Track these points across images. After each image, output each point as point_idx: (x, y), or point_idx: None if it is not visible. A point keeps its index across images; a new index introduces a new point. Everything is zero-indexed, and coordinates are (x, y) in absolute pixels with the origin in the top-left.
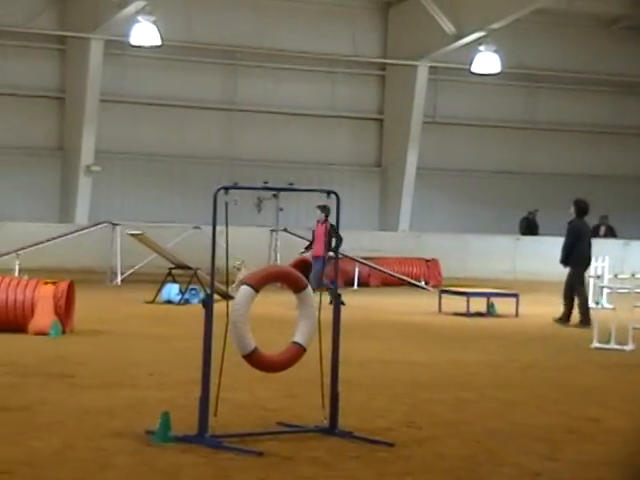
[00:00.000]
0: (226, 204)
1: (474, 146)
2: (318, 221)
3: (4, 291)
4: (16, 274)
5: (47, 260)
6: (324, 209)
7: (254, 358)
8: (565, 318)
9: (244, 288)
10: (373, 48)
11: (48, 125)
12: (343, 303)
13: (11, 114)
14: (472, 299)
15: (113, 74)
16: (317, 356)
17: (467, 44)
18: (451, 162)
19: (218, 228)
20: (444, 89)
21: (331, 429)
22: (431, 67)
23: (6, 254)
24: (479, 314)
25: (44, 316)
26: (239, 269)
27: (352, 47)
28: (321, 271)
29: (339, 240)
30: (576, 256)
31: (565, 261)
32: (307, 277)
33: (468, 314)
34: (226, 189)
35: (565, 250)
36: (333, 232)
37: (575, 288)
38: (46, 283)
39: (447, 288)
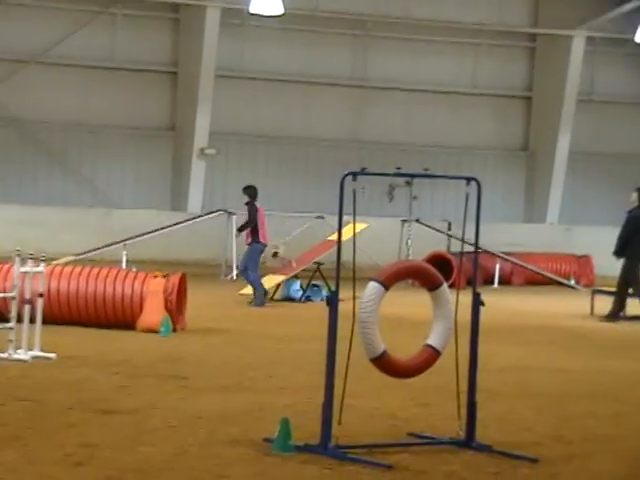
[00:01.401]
0: (354, 192)
1: (636, 128)
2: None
3: (111, 284)
4: (123, 266)
5: (157, 251)
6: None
7: (383, 362)
8: (615, 313)
9: (373, 285)
10: (521, 16)
11: (159, 102)
12: (482, 303)
13: (119, 90)
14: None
15: (230, 46)
16: (452, 361)
17: (630, 11)
18: (609, 146)
19: (344, 218)
20: (602, 63)
21: (468, 442)
22: (588, 38)
23: (113, 244)
24: (637, 317)
25: (153, 312)
26: (276, 254)
27: (498, 15)
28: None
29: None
30: (633, 248)
31: (620, 252)
32: (443, 273)
33: (624, 317)
34: (354, 175)
35: (621, 241)
36: None
37: (630, 281)
38: (156, 276)
39: (601, 288)
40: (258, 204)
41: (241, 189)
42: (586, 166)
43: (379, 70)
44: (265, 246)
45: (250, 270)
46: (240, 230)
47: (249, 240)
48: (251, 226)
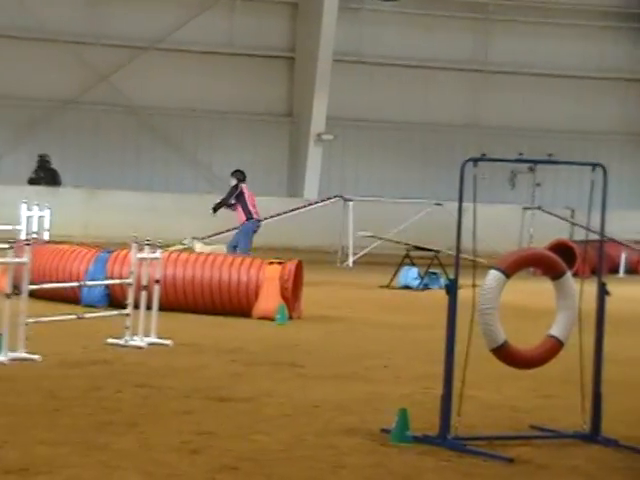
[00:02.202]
0: (474, 178)
1: None
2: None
3: (227, 271)
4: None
5: (273, 238)
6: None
7: (504, 352)
8: None
9: (494, 273)
10: None
11: (276, 88)
12: (608, 293)
13: (237, 76)
14: None
15: (348, 31)
16: (575, 352)
17: None
18: None
19: (464, 205)
20: None
21: (593, 435)
22: None
23: (228, 230)
24: None
25: (269, 299)
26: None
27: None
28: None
29: None
30: None
31: None
32: (566, 262)
33: None
34: (475, 161)
35: None
36: None
37: None
38: (271, 263)
39: None
40: (245, 186)
41: (354, 175)
42: None
43: (500, 54)
44: (259, 221)
45: (239, 248)
46: (215, 209)
47: (243, 219)
48: (225, 204)
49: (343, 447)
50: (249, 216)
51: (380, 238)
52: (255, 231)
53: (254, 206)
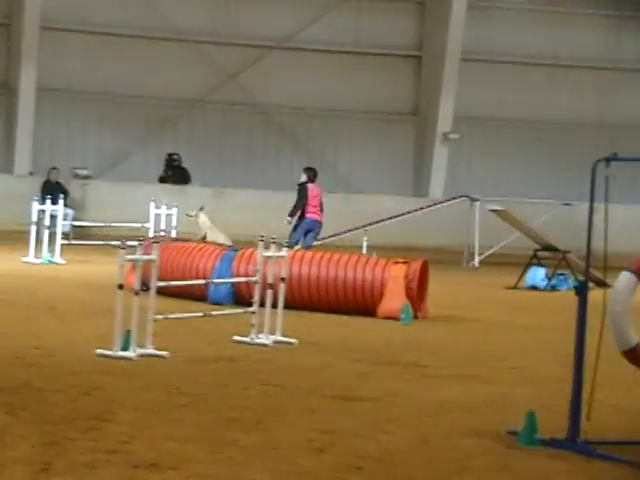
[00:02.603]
0: (606, 178)
1: None
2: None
3: (352, 270)
4: (364, 251)
5: (397, 237)
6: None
7: (636, 355)
8: None
9: (625, 274)
10: None
11: (402, 87)
12: None
13: (363, 75)
14: None
15: (476, 30)
16: None
17: None
18: None
19: (594, 205)
20: None
21: None
22: None
23: (353, 229)
24: None
25: (394, 299)
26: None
27: None
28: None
29: None
30: None
31: None
32: None
33: None
34: (607, 161)
35: None
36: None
37: None
38: (397, 262)
39: None
40: (312, 185)
41: (480, 175)
42: None
43: (633, 51)
44: (314, 221)
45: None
46: (291, 215)
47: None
48: (299, 208)
49: (469, 449)
50: (304, 215)
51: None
52: (312, 230)
53: (315, 206)
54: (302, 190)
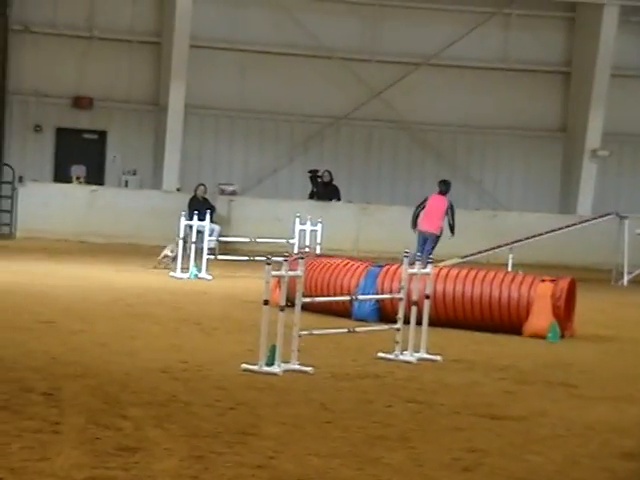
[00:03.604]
0: None
1: None
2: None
3: (497, 288)
4: (509, 269)
5: (544, 254)
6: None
7: None
8: None
9: None
10: None
11: (550, 103)
12: None
13: (510, 91)
14: None
15: (627, 45)
16: None
17: None
18: None
19: None
20: None
21: None
22: None
23: (500, 247)
24: None
25: (541, 317)
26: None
27: None
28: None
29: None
30: None
31: None
32: None
33: None
34: None
35: None
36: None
37: None
38: (543, 280)
39: None
40: (434, 196)
41: (629, 192)
42: None
43: None
44: (421, 232)
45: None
46: (453, 232)
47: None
48: (454, 222)
49: (620, 471)
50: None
51: None
52: (425, 241)
53: (425, 216)
54: (450, 205)
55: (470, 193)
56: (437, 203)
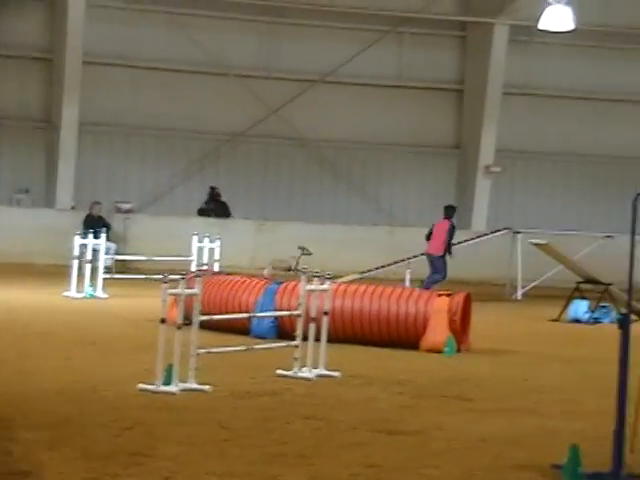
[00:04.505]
0: None
1: None
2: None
3: (395, 303)
4: (407, 284)
5: None
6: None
7: None
8: None
9: None
10: None
11: (444, 120)
12: None
13: (405, 108)
14: None
15: (517, 64)
16: None
17: None
18: None
19: (636, 238)
20: None
21: None
22: None
23: (397, 262)
24: None
25: (438, 332)
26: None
27: None
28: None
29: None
30: None
31: None
32: None
33: None
34: None
35: None
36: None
37: None
38: (440, 295)
39: None
40: (440, 221)
41: (522, 207)
42: None
43: None
44: (427, 254)
45: None
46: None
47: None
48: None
49: None
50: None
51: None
52: (431, 263)
53: (430, 240)
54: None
55: (367, 209)
56: (440, 226)
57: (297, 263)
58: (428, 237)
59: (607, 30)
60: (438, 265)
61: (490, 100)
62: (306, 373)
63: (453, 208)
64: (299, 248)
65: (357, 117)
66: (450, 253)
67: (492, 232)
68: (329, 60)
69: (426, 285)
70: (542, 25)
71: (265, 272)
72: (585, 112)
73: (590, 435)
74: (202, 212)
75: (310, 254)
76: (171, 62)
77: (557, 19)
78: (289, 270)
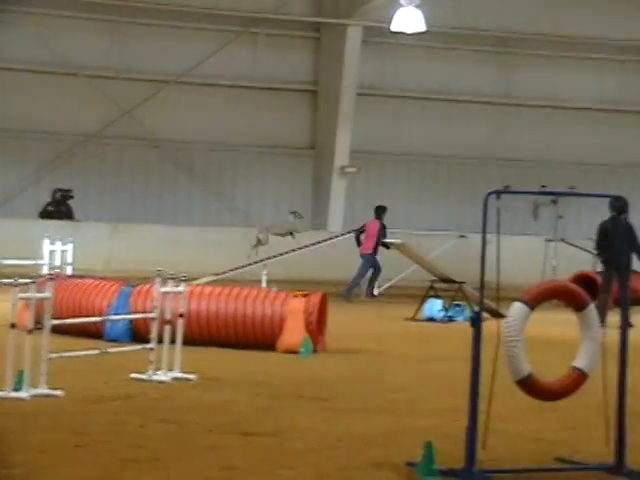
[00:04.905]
0: (497, 210)
1: None
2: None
3: (251, 305)
4: (263, 285)
5: (297, 271)
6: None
7: (529, 384)
8: None
9: (518, 305)
10: None
11: (299, 121)
12: (631, 325)
13: (260, 109)
14: None
15: (371, 65)
16: (600, 384)
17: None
18: None
19: (487, 237)
20: None
21: (618, 468)
22: None
23: (253, 263)
24: None
25: (294, 332)
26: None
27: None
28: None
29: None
30: None
31: None
32: (589, 294)
33: None
34: (497, 193)
35: None
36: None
37: None
38: (296, 296)
39: None
40: (369, 221)
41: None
42: None
43: (522, 87)
44: (361, 254)
45: None
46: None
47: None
48: (379, 242)
49: None
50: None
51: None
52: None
53: (365, 240)
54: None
55: (223, 209)
56: (372, 226)
57: (295, 228)
58: (357, 238)
59: (458, 32)
60: (368, 262)
61: (344, 101)
62: (161, 376)
63: (383, 208)
64: (291, 213)
65: (212, 118)
66: (376, 252)
67: (348, 232)
68: (183, 61)
69: (355, 283)
70: (394, 27)
71: (260, 236)
72: (438, 113)
73: (445, 432)
74: (45, 214)
75: (302, 217)
76: (20, 62)
77: (409, 21)
78: (291, 234)
